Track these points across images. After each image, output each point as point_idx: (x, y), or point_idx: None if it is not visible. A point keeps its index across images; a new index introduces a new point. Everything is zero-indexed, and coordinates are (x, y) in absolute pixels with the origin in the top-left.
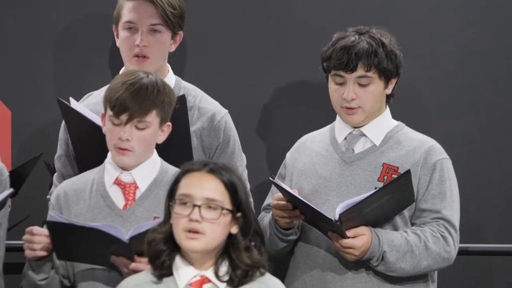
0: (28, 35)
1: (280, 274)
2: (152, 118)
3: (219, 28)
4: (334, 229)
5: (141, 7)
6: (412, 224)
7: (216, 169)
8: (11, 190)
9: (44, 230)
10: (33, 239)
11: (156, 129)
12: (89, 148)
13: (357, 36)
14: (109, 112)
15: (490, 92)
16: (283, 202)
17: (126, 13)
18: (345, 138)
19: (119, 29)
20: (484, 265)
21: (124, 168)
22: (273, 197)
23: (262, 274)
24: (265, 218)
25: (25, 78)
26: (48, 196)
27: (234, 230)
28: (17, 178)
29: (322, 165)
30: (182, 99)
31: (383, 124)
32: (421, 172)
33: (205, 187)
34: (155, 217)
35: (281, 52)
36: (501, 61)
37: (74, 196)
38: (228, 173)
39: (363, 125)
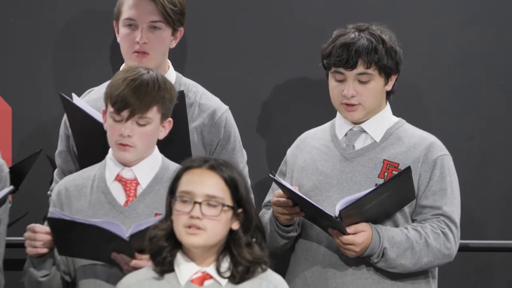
0: (29, 31)
1: (281, 270)
2: (153, 114)
3: (220, 24)
4: (334, 225)
5: (141, 4)
6: (413, 221)
7: (216, 166)
8: (11, 187)
9: (46, 228)
10: (35, 237)
11: (157, 125)
12: (91, 144)
13: (357, 33)
14: (110, 109)
15: (490, 88)
16: (283, 199)
17: (126, 10)
18: (346, 135)
19: (119, 25)
20: (485, 261)
21: (125, 164)
22: (273, 194)
23: (263, 270)
24: (265, 215)
25: (25, 74)
26: (49, 192)
27: (235, 226)
28: (17, 174)
29: (322, 162)
30: (181, 95)
31: (384, 120)
32: (421, 168)
33: (205, 184)
34: (156, 214)
35: (281, 49)
36: (501, 57)
37: (75, 192)
38: (228, 169)
39: (364, 122)
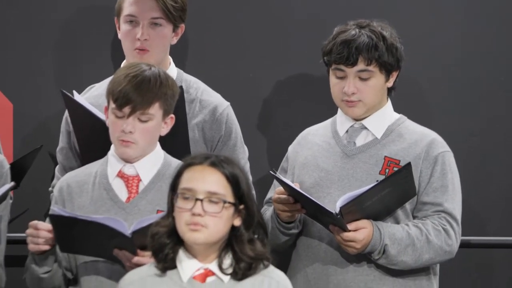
0: (29, 28)
1: (282, 266)
2: (155, 110)
3: (221, 20)
4: (335, 222)
5: (142, 1)
6: (414, 217)
7: (217, 162)
8: (12, 183)
9: (49, 225)
10: (38, 234)
11: (159, 122)
12: (92, 141)
13: (357, 30)
14: (112, 105)
15: (491, 85)
16: (284, 196)
17: (127, 6)
18: (347, 131)
19: (120, 22)
20: (486, 258)
21: (127, 161)
22: (274, 191)
23: (265, 267)
24: (267, 212)
25: (26, 70)
26: (50, 189)
27: (237, 222)
28: (18, 170)
29: (323, 158)
30: (180, 91)
31: (385, 117)
32: (422, 165)
33: (207, 180)
34: (158, 211)
35: (282, 45)
36: (502, 53)
37: (77, 188)
38: (230, 165)
39: (365, 118)
